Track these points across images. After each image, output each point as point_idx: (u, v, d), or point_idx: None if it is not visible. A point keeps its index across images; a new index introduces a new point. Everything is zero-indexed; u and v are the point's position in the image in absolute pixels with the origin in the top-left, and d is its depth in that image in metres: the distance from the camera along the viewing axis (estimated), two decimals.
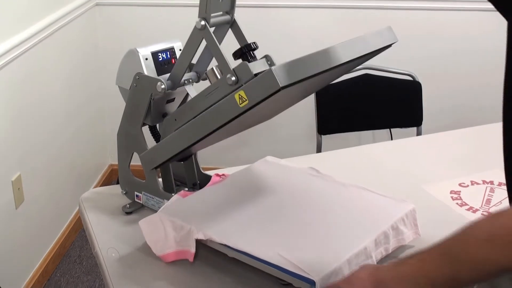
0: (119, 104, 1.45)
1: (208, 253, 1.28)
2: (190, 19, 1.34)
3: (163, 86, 1.33)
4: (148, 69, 1.38)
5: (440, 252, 0.98)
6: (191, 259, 1.25)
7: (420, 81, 2.62)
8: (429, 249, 0.99)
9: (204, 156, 2.97)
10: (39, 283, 2.53)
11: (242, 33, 1.39)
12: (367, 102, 2.61)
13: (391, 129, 2.75)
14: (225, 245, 1.21)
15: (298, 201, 1.36)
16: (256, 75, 1.17)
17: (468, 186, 1.61)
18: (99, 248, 1.35)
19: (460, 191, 1.58)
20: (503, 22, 1.11)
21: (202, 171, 1.53)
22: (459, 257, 0.96)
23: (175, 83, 1.36)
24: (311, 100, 2.53)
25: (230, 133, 1.44)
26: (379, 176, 1.65)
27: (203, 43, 1.30)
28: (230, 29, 1.39)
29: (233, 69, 1.22)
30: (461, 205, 1.51)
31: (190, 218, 1.28)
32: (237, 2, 1.38)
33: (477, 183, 1.62)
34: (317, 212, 1.32)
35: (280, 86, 1.10)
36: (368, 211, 1.32)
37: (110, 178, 3.33)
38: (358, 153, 1.83)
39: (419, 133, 2.63)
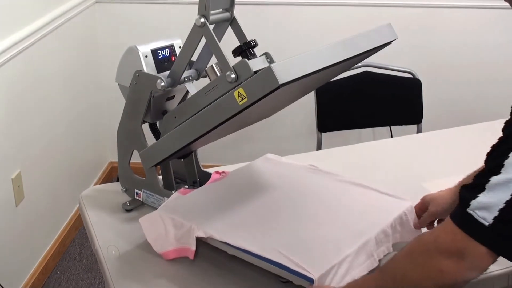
0: (119, 102, 1.45)
1: (208, 250, 1.28)
2: (190, 16, 1.33)
3: (163, 84, 1.33)
4: (148, 66, 1.38)
5: (380, 268, 1.04)
6: (191, 256, 1.25)
7: (420, 79, 2.61)
8: (377, 268, 1.07)
9: (204, 154, 2.96)
10: (39, 281, 2.53)
11: (241, 30, 1.38)
12: (367, 99, 2.60)
13: (391, 127, 2.74)
14: (226, 243, 1.21)
15: (298, 198, 1.36)
16: (255, 72, 1.17)
17: None
18: (99, 246, 1.35)
19: None
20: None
21: (202, 169, 1.53)
22: (387, 271, 1.01)
23: (175, 81, 1.36)
24: (311, 97, 2.53)
25: (230, 131, 1.44)
26: (379, 173, 1.65)
27: (203, 40, 1.30)
28: (229, 27, 1.39)
29: (232, 66, 1.21)
30: None
31: (190, 216, 1.28)
32: (237, 0, 1.38)
33: None
34: (317, 209, 1.33)
35: (279, 83, 1.10)
36: (368, 208, 1.33)
37: (110, 176, 3.33)
38: (358, 150, 1.82)
39: (419, 131, 2.63)
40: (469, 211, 0.91)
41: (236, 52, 1.33)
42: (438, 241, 0.93)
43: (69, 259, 2.74)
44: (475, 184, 0.93)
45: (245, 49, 1.32)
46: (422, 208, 1.33)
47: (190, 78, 1.41)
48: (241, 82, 1.18)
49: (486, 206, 0.90)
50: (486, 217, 0.89)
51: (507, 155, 0.91)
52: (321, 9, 2.99)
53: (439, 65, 3.05)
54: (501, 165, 0.90)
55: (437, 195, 1.31)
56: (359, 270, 1.18)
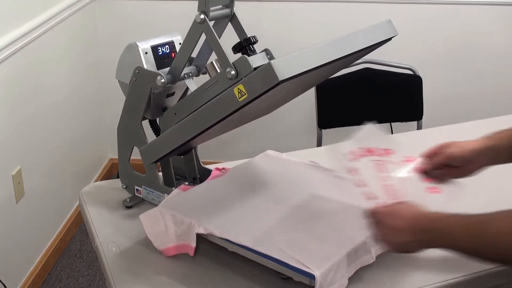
0: (119, 98, 1.45)
1: (208, 247, 1.29)
2: (190, 13, 1.33)
3: (162, 80, 1.33)
4: (148, 63, 1.38)
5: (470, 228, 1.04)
6: (191, 253, 1.25)
7: (421, 75, 2.61)
8: (463, 220, 1.05)
9: (204, 150, 2.96)
10: (40, 277, 2.54)
11: (241, 26, 1.38)
12: (368, 96, 2.60)
13: (392, 123, 2.74)
14: (226, 239, 1.21)
15: (298, 195, 1.36)
16: (255, 69, 1.17)
17: None
18: (100, 242, 1.35)
19: None
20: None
21: (202, 165, 1.53)
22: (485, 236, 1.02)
23: (175, 77, 1.36)
24: (311, 94, 2.53)
25: (230, 127, 1.44)
26: None
27: (203, 37, 1.30)
28: (229, 23, 1.39)
29: (232, 63, 1.21)
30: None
31: (190, 212, 1.28)
32: None
33: None
34: (317, 206, 1.32)
35: (279, 80, 1.09)
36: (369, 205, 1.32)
37: (110, 172, 3.33)
38: None
39: (419, 127, 2.63)
40: None
41: (236, 49, 1.33)
42: None
43: (69, 255, 2.74)
44: None
45: (245, 46, 1.32)
46: (437, 152, 1.31)
47: (190, 74, 1.40)
48: (241, 79, 1.18)
49: None
50: None
51: None
52: (321, 5, 2.99)
53: (439, 62, 3.05)
54: None
55: (460, 142, 1.29)
56: (354, 265, 1.18)
